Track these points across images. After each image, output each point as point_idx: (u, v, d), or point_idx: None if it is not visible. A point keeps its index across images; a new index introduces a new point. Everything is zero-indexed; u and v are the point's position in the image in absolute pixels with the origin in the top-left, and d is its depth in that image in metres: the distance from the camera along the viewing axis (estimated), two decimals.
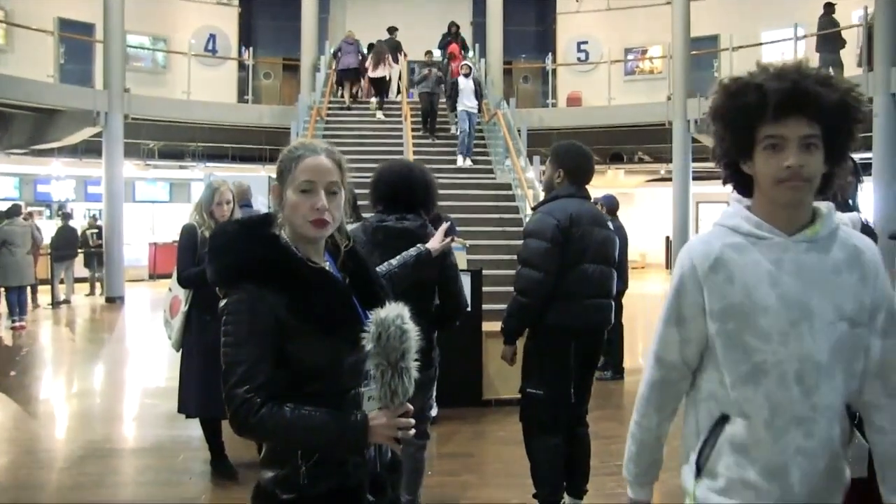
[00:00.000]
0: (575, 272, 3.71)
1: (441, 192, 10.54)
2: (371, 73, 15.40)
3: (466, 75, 13.36)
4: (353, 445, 1.76)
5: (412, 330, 1.73)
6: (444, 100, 14.35)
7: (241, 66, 19.12)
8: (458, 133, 13.39)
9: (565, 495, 4.01)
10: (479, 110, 13.71)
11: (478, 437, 5.71)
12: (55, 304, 13.81)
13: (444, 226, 2.83)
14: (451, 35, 16.58)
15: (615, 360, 7.83)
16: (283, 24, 19.82)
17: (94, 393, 7.48)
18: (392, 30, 16.57)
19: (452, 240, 2.78)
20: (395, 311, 1.72)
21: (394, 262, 2.51)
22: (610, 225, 4.01)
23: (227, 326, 1.76)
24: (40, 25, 15.31)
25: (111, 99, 14.54)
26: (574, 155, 4.02)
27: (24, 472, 5.01)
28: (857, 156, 9.43)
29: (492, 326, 6.36)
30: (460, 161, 13.11)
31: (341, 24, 20.71)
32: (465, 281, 6.27)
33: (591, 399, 7.08)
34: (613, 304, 3.97)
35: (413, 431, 1.78)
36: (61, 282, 14.28)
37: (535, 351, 3.83)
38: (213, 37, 19.86)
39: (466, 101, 13.16)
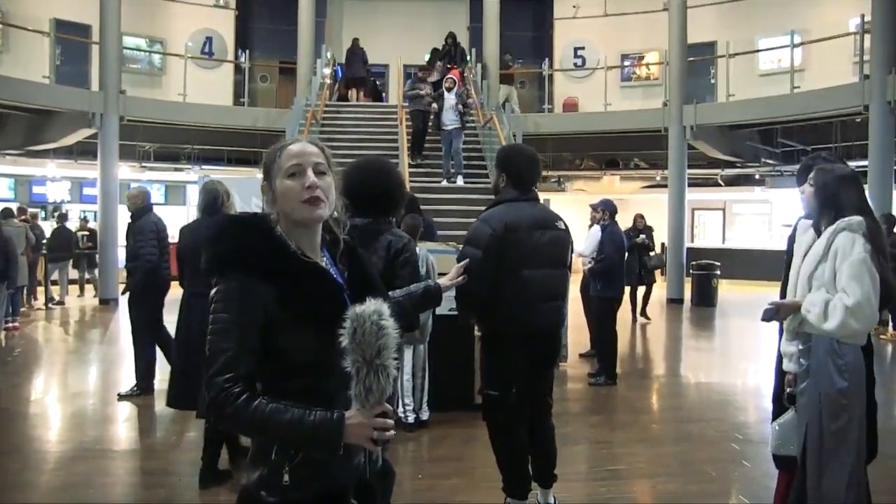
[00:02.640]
0: (515, 278, 3.79)
1: (436, 196, 10.61)
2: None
3: (449, 89, 12.74)
4: (327, 443, 1.71)
5: (390, 327, 1.68)
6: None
7: (238, 69, 19.10)
8: (442, 154, 12.97)
9: (535, 486, 4.08)
10: (464, 126, 12.92)
11: (469, 440, 5.68)
12: (48, 304, 13.76)
13: (461, 265, 2.61)
14: (450, 46, 16.21)
15: (608, 366, 7.82)
16: (280, 28, 19.83)
17: (85, 394, 7.44)
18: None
19: (464, 277, 2.59)
20: (372, 307, 1.68)
21: (398, 292, 2.40)
22: (559, 224, 4.00)
23: (213, 315, 1.76)
24: (36, 26, 15.33)
25: (107, 100, 14.52)
26: (516, 158, 4.08)
27: (13, 473, 4.98)
28: (852, 163, 9.56)
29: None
30: (445, 183, 12.69)
31: (338, 28, 20.74)
32: None
33: (584, 405, 7.11)
34: (563, 304, 4.06)
35: (392, 433, 1.72)
36: (54, 283, 14.24)
37: (487, 354, 4.00)
38: (209, 39, 19.85)
39: (444, 119, 12.64)
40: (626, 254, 11.49)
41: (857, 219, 3.13)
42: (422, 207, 7.21)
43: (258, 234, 1.82)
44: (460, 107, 12.66)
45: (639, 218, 12.76)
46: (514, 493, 3.97)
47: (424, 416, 6.00)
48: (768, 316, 3.32)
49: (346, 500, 1.81)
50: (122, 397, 6.84)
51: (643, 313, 12.59)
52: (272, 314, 1.74)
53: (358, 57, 17.36)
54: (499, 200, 3.99)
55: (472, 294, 3.72)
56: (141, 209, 6.95)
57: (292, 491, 1.76)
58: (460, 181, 12.75)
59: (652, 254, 12.59)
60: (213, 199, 4.83)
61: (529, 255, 3.81)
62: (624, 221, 9.07)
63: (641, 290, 12.55)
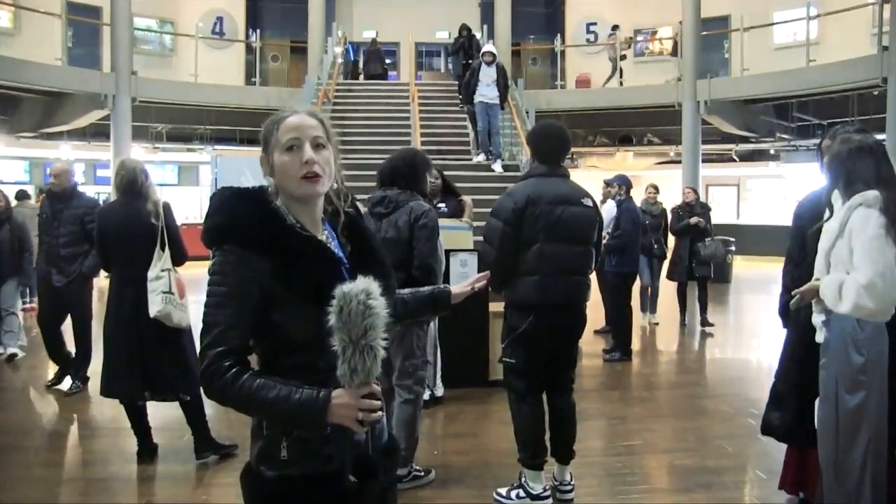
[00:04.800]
0: (532, 251, 3.91)
1: (449, 173, 10.51)
2: None
3: (489, 63, 11.81)
4: (311, 422, 1.68)
5: (378, 307, 1.63)
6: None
7: (249, 49, 19.08)
8: (478, 129, 12.09)
9: (554, 462, 4.14)
10: (502, 104, 12.10)
11: (483, 417, 5.70)
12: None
13: (482, 275, 2.33)
14: (465, 39, 15.43)
15: (623, 342, 7.81)
16: (291, 7, 19.77)
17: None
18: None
19: (473, 289, 2.27)
20: (360, 286, 1.63)
21: (405, 291, 2.25)
22: (586, 202, 4.05)
23: (209, 287, 1.75)
24: (48, 8, 15.30)
25: (118, 82, 14.54)
26: (540, 136, 4.22)
27: (33, 450, 5.06)
28: None
29: (498, 307, 6.33)
30: (481, 158, 12.03)
31: (348, 6, 20.63)
32: (472, 261, 6.24)
33: (599, 380, 7.10)
34: (584, 280, 4.08)
35: (379, 414, 1.68)
36: None
37: (505, 323, 4.12)
38: (220, 19, 19.84)
39: (485, 91, 11.75)
40: (678, 235, 9.63)
41: (873, 193, 3.03)
42: None
43: (254, 207, 1.80)
44: (500, 79, 11.88)
45: (688, 192, 10.00)
46: (530, 463, 4.02)
47: (439, 392, 6.00)
48: (795, 305, 3.29)
49: (344, 478, 1.77)
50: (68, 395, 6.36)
51: (703, 321, 9.69)
52: (268, 288, 1.72)
53: (377, 56, 17.86)
54: (527, 175, 4.18)
55: (495, 264, 3.88)
56: (72, 189, 6.29)
57: (290, 466, 1.76)
58: (498, 167, 11.96)
59: (708, 241, 9.40)
60: (132, 180, 4.56)
61: (549, 228, 3.89)
62: (635, 198, 8.68)
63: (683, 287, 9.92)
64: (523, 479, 4.04)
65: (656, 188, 10.02)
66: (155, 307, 4.41)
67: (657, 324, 9.83)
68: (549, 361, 4.07)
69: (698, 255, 9.36)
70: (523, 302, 3.96)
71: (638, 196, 9.10)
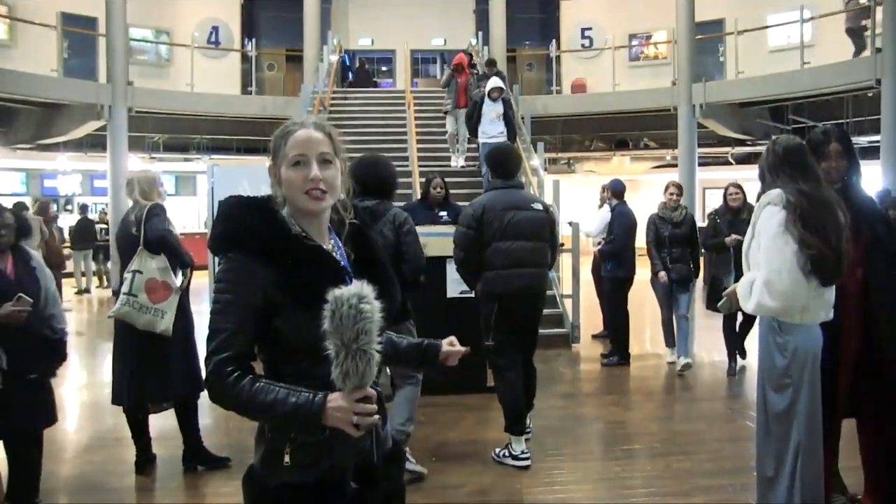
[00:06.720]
0: (491, 249, 4.76)
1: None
2: None
3: (495, 99, 10.61)
4: (307, 424, 1.71)
5: (371, 311, 1.64)
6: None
7: (245, 58, 19.11)
8: (483, 173, 10.51)
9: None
10: (512, 141, 10.62)
11: (482, 423, 5.70)
12: (80, 293, 14.44)
13: (460, 349, 2.18)
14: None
15: (620, 346, 7.81)
16: (286, 15, 19.79)
17: (101, 384, 7.48)
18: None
19: (462, 355, 2.18)
20: (353, 290, 1.65)
21: (394, 335, 2.18)
22: (535, 206, 4.91)
23: (214, 294, 1.79)
24: (43, 20, 15.32)
25: (115, 92, 14.53)
26: (492, 156, 5.16)
27: None
28: (864, 139, 9.46)
29: None
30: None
31: (343, 14, 20.67)
32: None
33: (597, 385, 7.13)
34: (541, 272, 4.93)
35: (376, 417, 1.69)
36: (83, 274, 14.85)
37: (481, 311, 4.94)
38: (215, 29, 19.84)
39: (488, 128, 10.59)
40: (712, 252, 7.16)
41: (776, 191, 3.10)
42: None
43: (260, 216, 1.82)
44: (508, 113, 10.84)
45: (734, 193, 7.05)
46: (512, 430, 4.79)
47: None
48: (725, 308, 3.40)
49: (345, 484, 1.79)
50: None
51: (739, 350, 7.58)
52: (272, 296, 1.75)
53: (365, 75, 18.50)
54: (487, 189, 5.08)
55: (464, 262, 4.88)
56: None
57: (293, 473, 1.77)
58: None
59: None
60: (127, 191, 4.69)
61: (502, 230, 4.74)
62: (632, 202, 8.34)
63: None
64: (510, 443, 4.78)
65: (680, 188, 7.58)
66: (114, 307, 4.52)
67: (682, 368, 7.38)
68: (515, 341, 4.86)
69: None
70: (488, 292, 4.81)
71: (656, 200, 7.77)
